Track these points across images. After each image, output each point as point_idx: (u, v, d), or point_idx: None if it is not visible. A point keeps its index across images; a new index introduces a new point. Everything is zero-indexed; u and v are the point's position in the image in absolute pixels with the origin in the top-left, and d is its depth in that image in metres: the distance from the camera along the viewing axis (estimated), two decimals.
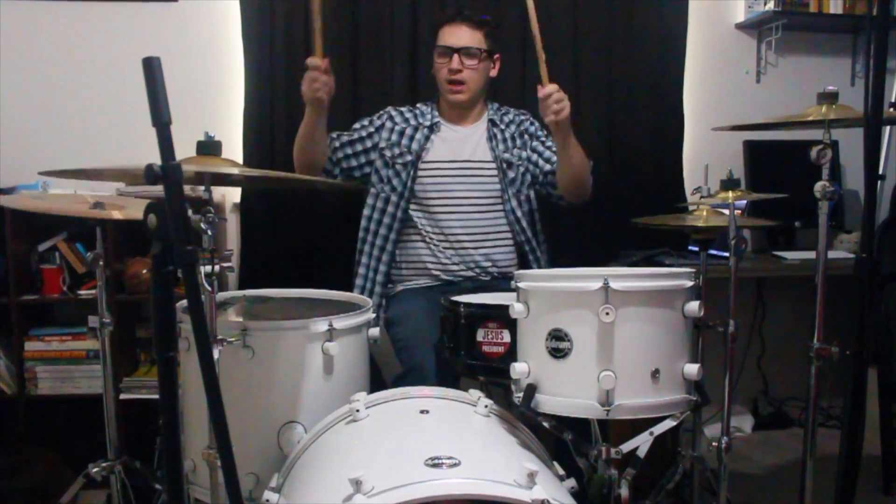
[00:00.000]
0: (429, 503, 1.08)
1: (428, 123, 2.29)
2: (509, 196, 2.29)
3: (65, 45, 2.69)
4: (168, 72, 0.94)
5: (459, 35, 2.22)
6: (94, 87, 2.70)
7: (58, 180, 2.38)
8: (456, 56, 2.21)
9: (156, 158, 0.95)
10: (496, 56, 2.31)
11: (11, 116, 2.65)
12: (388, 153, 2.27)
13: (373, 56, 2.76)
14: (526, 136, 2.37)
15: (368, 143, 2.29)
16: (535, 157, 2.33)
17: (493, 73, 2.33)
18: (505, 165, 2.29)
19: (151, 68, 0.94)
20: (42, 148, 2.66)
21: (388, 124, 2.31)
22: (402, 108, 2.36)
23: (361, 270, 2.30)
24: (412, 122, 2.31)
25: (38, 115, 2.69)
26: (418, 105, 2.38)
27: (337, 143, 2.27)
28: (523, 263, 2.33)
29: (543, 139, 2.37)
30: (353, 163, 2.29)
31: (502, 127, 2.35)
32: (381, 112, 2.35)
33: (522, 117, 2.40)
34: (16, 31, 2.65)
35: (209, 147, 1.53)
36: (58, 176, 1.53)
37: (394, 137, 2.28)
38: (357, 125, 2.33)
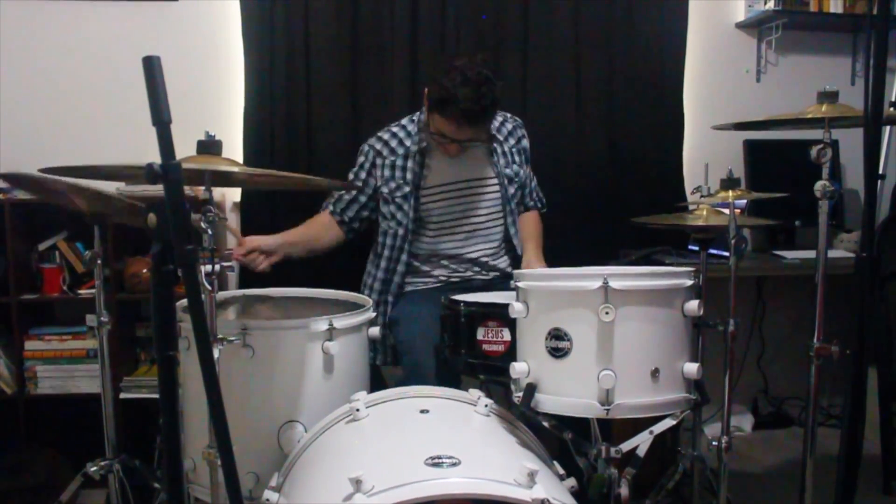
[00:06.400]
0: (429, 502, 1.08)
1: (417, 148, 2.19)
2: (510, 210, 2.27)
3: (65, 44, 2.69)
4: (168, 71, 0.94)
5: (464, 132, 2.04)
6: (95, 86, 2.70)
7: (57, 179, 2.37)
8: (457, 145, 2.09)
9: (156, 157, 0.95)
10: None
11: (12, 115, 2.65)
12: (385, 190, 2.20)
13: (373, 56, 2.75)
14: (524, 155, 2.35)
15: (369, 191, 2.23)
16: (526, 178, 2.36)
17: None
18: (507, 181, 2.26)
19: (151, 67, 0.94)
20: (42, 147, 2.66)
21: (379, 161, 2.21)
22: (384, 135, 2.24)
23: (372, 305, 2.26)
24: (400, 150, 2.20)
25: (39, 114, 2.69)
26: (402, 122, 2.27)
27: (341, 211, 2.24)
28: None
29: (530, 161, 2.39)
30: (364, 214, 2.25)
31: (501, 139, 2.29)
32: (366, 149, 2.24)
33: (521, 132, 2.35)
34: (16, 29, 2.65)
35: (209, 146, 1.53)
36: (58, 174, 1.53)
37: (387, 173, 2.20)
38: (351, 176, 2.26)
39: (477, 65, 1.99)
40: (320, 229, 2.24)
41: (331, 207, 2.26)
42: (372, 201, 2.25)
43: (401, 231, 2.20)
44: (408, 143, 2.21)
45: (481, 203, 2.24)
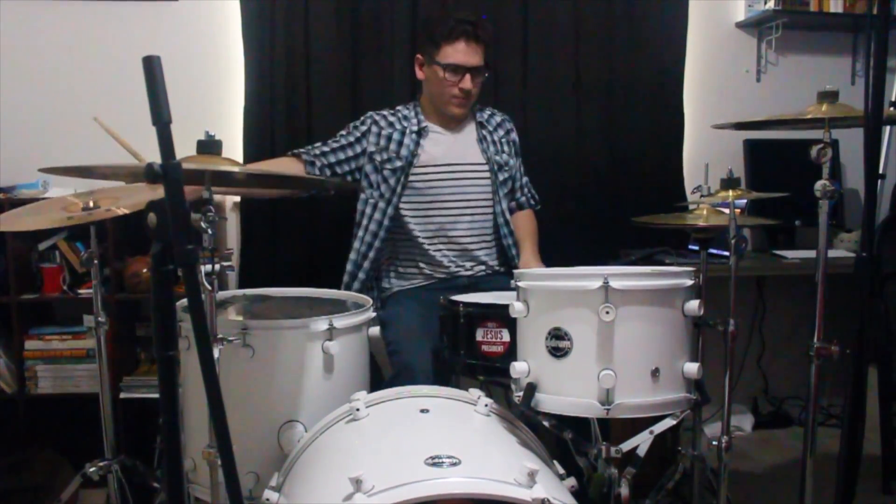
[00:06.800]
0: (429, 502, 1.08)
1: (416, 128, 2.26)
2: (500, 198, 2.30)
3: (65, 45, 2.69)
4: (168, 71, 0.94)
5: (472, 54, 2.17)
6: (95, 86, 2.70)
7: (58, 179, 2.38)
8: (468, 75, 2.18)
9: (156, 157, 0.95)
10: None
11: (12, 115, 2.65)
12: (377, 157, 2.25)
13: (373, 56, 2.75)
14: (513, 147, 2.39)
15: (358, 149, 2.26)
16: (516, 172, 2.39)
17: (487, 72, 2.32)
18: (496, 167, 2.30)
19: (151, 67, 0.94)
20: (42, 147, 2.66)
21: (374, 129, 2.27)
22: (385, 112, 2.32)
23: (347, 278, 2.30)
24: (398, 126, 2.27)
25: (39, 113, 2.69)
26: (398, 108, 2.34)
27: (317, 160, 2.23)
28: (507, 265, 2.34)
29: (520, 155, 2.43)
30: (339, 170, 2.26)
31: (490, 129, 2.35)
32: (364, 117, 2.32)
33: (509, 125, 2.42)
34: (16, 30, 2.65)
35: (209, 146, 1.53)
36: (58, 173, 1.53)
37: (382, 142, 2.25)
38: (343, 132, 2.30)
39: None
40: (279, 168, 2.23)
41: (303, 153, 2.25)
42: (354, 161, 2.27)
43: (381, 203, 2.24)
44: (405, 122, 2.28)
45: (470, 186, 2.27)
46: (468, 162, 2.28)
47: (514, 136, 2.42)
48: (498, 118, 2.40)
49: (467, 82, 2.18)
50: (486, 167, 2.29)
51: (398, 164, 2.23)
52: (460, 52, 2.16)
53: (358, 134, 2.28)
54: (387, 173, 2.23)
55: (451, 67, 2.17)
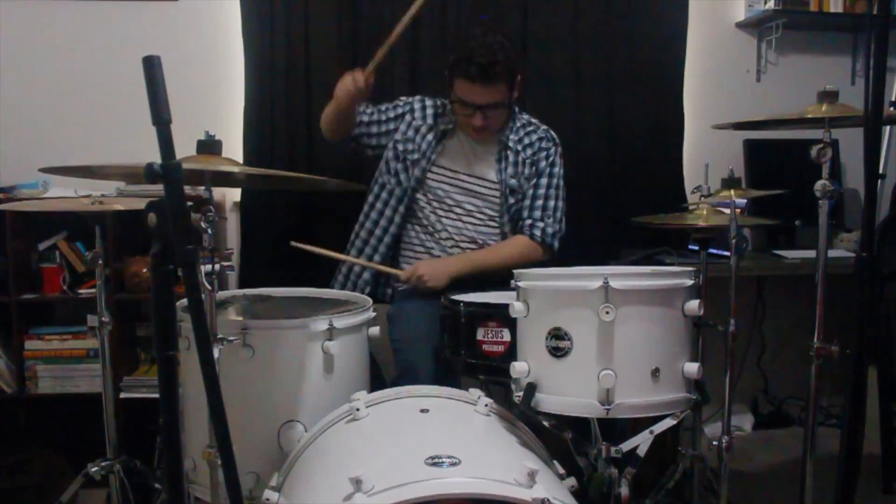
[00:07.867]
0: (429, 502, 1.08)
1: (443, 128, 2.25)
2: (506, 220, 2.24)
3: (65, 44, 2.69)
4: (168, 71, 0.94)
5: (483, 93, 2.07)
6: (95, 86, 2.70)
7: (58, 179, 2.38)
8: (479, 113, 2.10)
9: (156, 157, 0.95)
10: (518, 78, 2.14)
11: (12, 115, 2.65)
12: (399, 146, 2.27)
13: (373, 56, 2.74)
14: (534, 168, 2.24)
15: (392, 126, 2.29)
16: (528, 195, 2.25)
17: (517, 93, 2.19)
18: (508, 191, 2.23)
19: (152, 67, 0.94)
20: (42, 147, 2.66)
21: (408, 118, 2.29)
22: (429, 103, 2.30)
23: (353, 252, 2.32)
24: (429, 120, 2.27)
25: (39, 114, 2.69)
26: (446, 103, 2.25)
27: (365, 118, 2.29)
28: None
29: (546, 177, 2.24)
30: (373, 142, 2.31)
31: (518, 149, 2.23)
32: (410, 99, 2.32)
33: (543, 145, 2.24)
34: (16, 29, 2.65)
35: (209, 146, 1.53)
36: (58, 173, 1.53)
37: (409, 133, 2.27)
38: (384, 106, 2.32)
39: (491, 30, 2.13)
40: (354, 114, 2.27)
41: (362, 113, 2.29)
42: (386, 136, 2.30)
43: (398, 191, 2.26)
44: (438, 121, 2.28)
45: (479, 200, 2.25)
46: (480, 177, 2.24)
47: (540, 156, 2.23)
48: (535, 136, 2.25)
49: (478, 119, 2.11)
50: (496, 187, 2.24)
51: (416, 156, 2.25)
52: (470, 92, 2.07)
53: (397, 113, 2.30)
54: (408, 163, 2.26)
55: (461, 102, 2.12)
